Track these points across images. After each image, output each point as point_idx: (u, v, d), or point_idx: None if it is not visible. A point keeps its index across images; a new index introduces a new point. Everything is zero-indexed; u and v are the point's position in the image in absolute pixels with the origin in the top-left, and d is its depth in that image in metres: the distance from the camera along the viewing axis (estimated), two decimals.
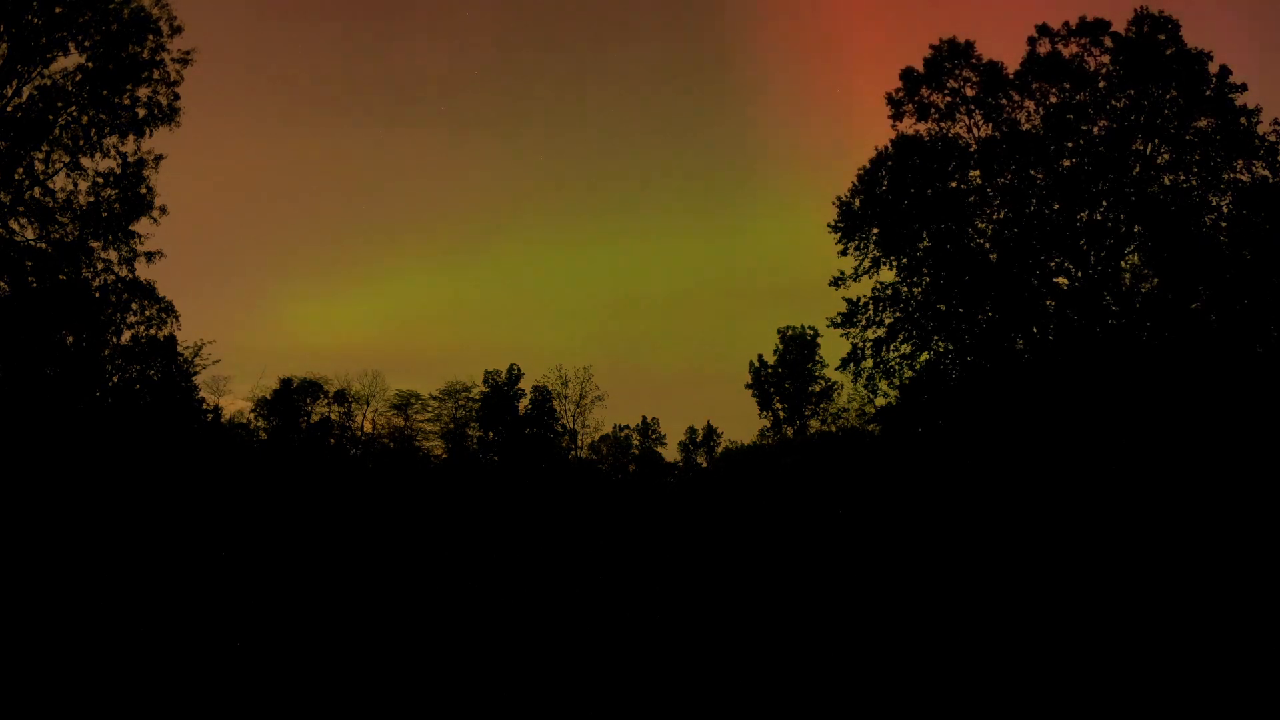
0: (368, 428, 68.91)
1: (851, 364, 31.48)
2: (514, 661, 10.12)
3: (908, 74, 31.85)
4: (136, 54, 27.50)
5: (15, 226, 26.75)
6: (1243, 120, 27.79)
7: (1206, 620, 12.93)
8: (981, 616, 14.64)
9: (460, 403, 72.44)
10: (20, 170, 26.41)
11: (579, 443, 71.50)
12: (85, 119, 27.23)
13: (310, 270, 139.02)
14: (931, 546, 30.63)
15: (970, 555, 27.11)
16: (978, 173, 30.89)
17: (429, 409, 72.70)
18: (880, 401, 32.74)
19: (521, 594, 19.79)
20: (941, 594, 18.58)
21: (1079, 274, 29.50)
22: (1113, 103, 29.15)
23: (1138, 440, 25.91)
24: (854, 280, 31.45)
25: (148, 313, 31.01)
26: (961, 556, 27.21)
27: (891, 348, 31.16)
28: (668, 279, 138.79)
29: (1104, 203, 29.07)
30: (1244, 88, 28.11)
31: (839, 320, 31.59)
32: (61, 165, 27.32)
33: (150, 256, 29.41)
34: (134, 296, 30.22)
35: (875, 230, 31.08)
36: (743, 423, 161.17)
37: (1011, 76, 30.99)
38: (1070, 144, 29.36)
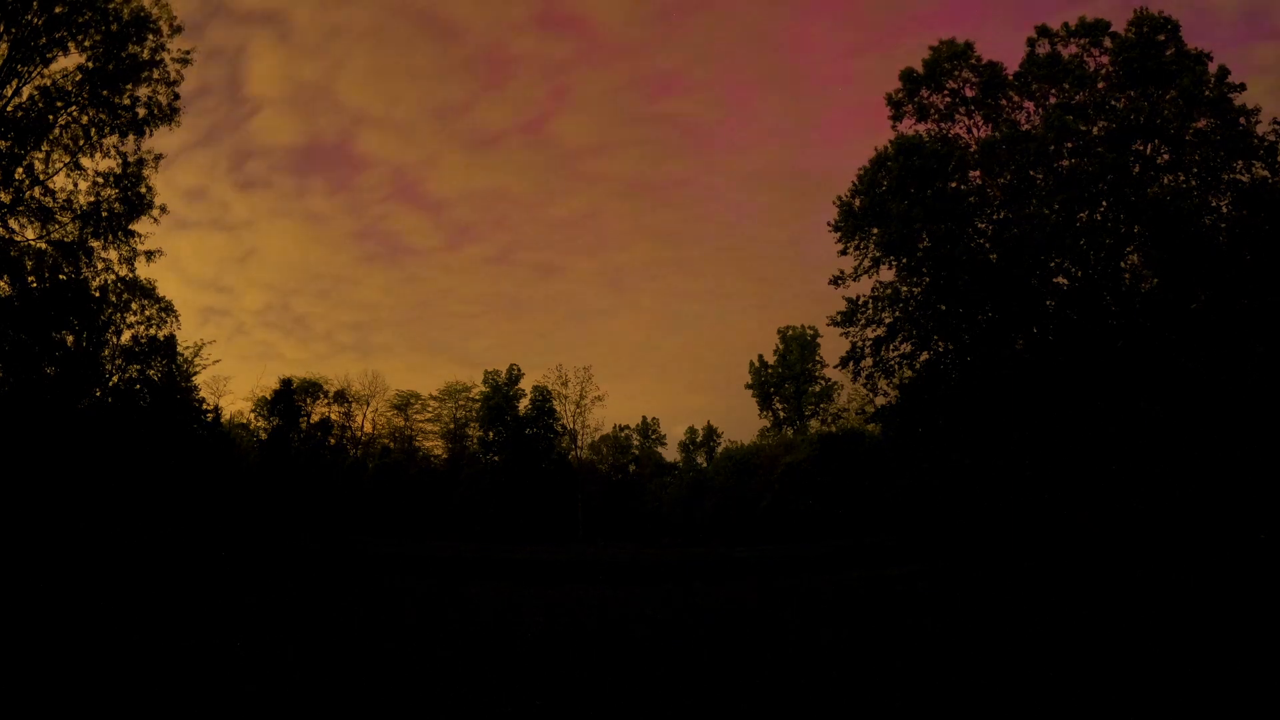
0: (368, 428, 68.98)
1: (851, 362, 31.53)
2: (512, 662, 10.13)
3: (908, 75, 31.88)
4: (136, 54, 27.50)
5: (15, 226, 26.77)
6: (1242, 120, 27.76)
7: (1207, 621, 12.93)
8: (979, 619, 14.65)
9: (460, 403, 72.48)
10: (20, 170, 26.40)
11: (579, 443, 71.42)
12: (85, 119, 27.24)
13: None
14: (931, 548, 30.64)
15: (970, 556, 27.13)
16: (978, 173, 30.91)
17: (429, 409, 72.80)
18: (880, 401, 32.78)
19: (521, 594, 19.80)
20: (941, 597, 18.60)
21: (1079, 274, 29.50)
22: (1112, 103, 29.14)
23: (1138, 439, 25.92)
24: (854, 279, 31.50)
25: (148, 312, 31.08)
26: (962, 557, 27.22)
27: (891, 347, 31.21)
28: None
29: (1104, 203, 29.06)
30: (1243, 88, 28.10)
31: (839, 319, 31.64)
32: (61, 165, 27.34)
33: (150, 256, 29.46)
34: (134, 296, 30.27)
35: (875, 230, 31.09)
36: (743, 423, 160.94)
37: (1011, 77, 31.01)
38: (1070, 144, 29.34)
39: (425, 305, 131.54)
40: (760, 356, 73.49)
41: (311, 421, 62.88)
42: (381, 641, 11.68)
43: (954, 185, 30.72)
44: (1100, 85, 29.47)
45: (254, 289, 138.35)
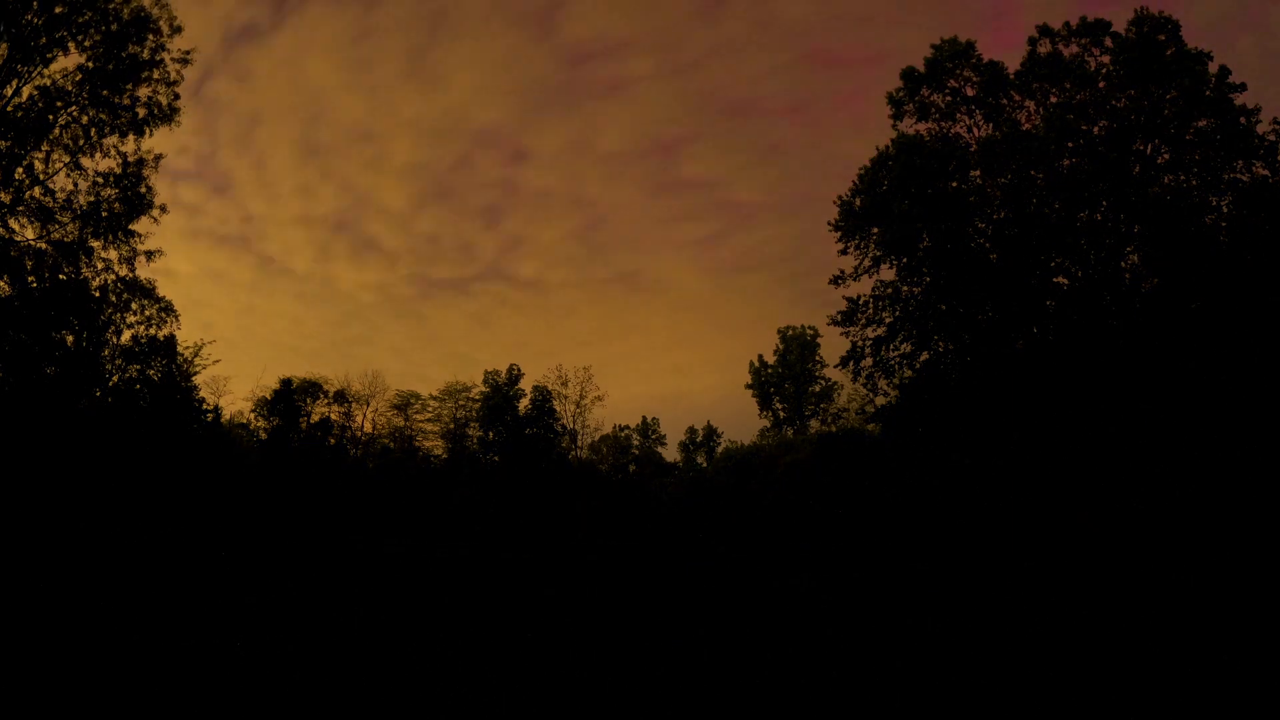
0: (368, 428, 68.80)
1: (851, 362, 31.54)
2: (511, 663, 10.12)
3: (909, 74, 31.86)
4: (136, 54, 27.49)
5: (15, 226, 26.76)
6: (1242, 120, 27.75)
7: (1206, 620, 12.92)
8: (980, 619, 14.64)
9: (460, 403, 72.34)
10: (20, 170, 26.40)
11: (579, 443, 71.34)
12: (85, 119, 27.23)
13: None
14: (932, 548, 30.62)
15: (971, 556, 27.12)
16: (978, 173, 30.89)
17: (429, 409, 72.62)
18: (880, 401, 32.77)
19: (521, 595, 19.78)
20: (942, 597, 18.58)
21: (1079, 274, 29.49)
22: (1113, 103, 29.13)
23: (1138, 439, 25.91)
24: (854, 279, 31.50)
25: (148, 312, 31.05)
26: (962, 557, 27.21)
27: (891, 347, 31.21)
28: None
29: (1104, 203, 29.05)
30: (1243, 87, 28.10)
31: (839, 319, 31.65)
32: (61, 165, 27.33)
33: (150, 255, 29.46)
34: (134, 296, 30.24)
35: (876, 229, 31.08)
36: (743, 423, 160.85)
37: (1012, 77, 31.00)
38: (1070, 144, 29.33)
39: None
40: (760, 356, 73.49)
41: (311, 421, 62.79)
42: (381, 641, 11.67)
43: (954, 185, 30.70)
44: (1101, 85, 29.46)
45: None
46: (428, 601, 17.64)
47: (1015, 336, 29.97)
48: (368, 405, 67.75)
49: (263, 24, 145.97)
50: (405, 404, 71.03)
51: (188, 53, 28.77)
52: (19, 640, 10.60)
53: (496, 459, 68.20)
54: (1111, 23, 29.90)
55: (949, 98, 31.60)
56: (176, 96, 28.62)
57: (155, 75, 28.11)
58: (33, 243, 27.17)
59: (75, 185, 27.68)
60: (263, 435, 60.77)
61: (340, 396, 64.74)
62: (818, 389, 70.71)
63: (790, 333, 72.50)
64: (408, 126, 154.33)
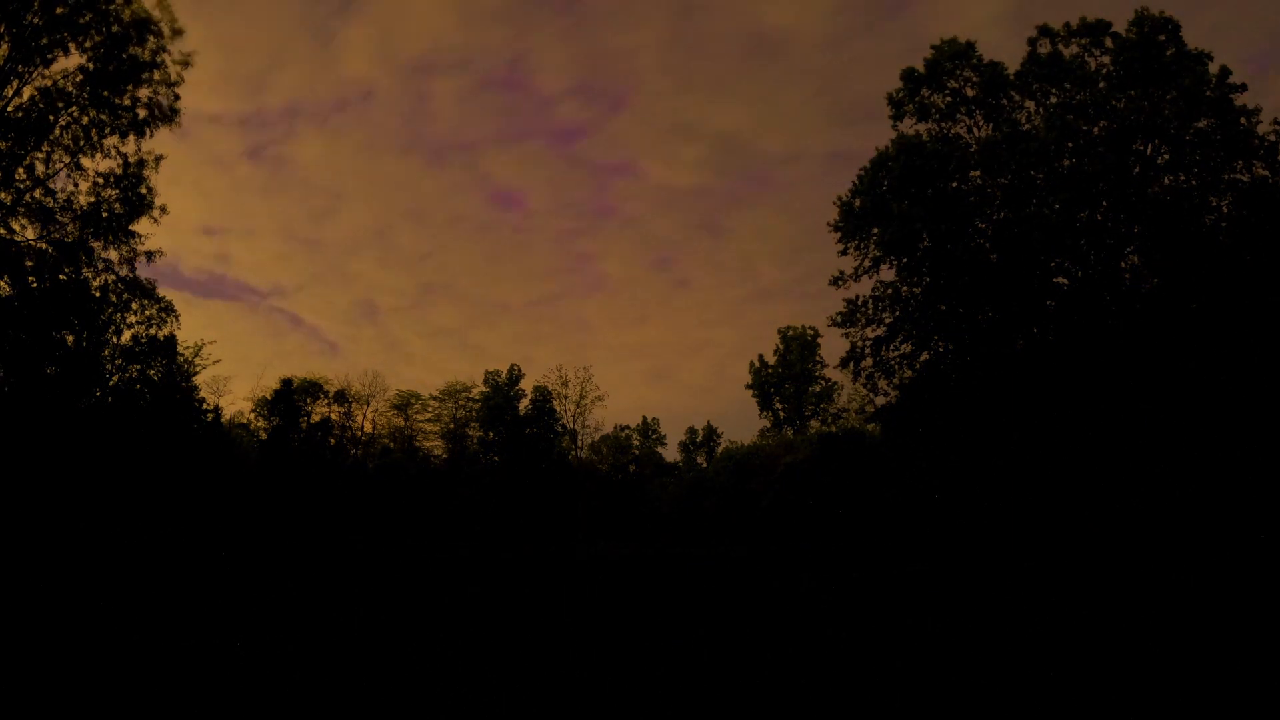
0: (368, 428, 68.82)
1: (851, 362, 31.59)
2: (511, 663, 10.13)
3: (909, 74, 31.89)
4: (137, 55, 27.50)
5: (16, 227, 26.76)
6: (1243, 121, 27.79)
7: (1205, 620, 12.93)
8: (980, 620, 14.65)
9: (460, 403, 72.38)
10: (21, 171, 26.40)
11: (579, 443, 71.35)
12: (86, 120, 27.23)
13: None
14: (931, 548, 30.63)
15: (970, 556, 27.13)
16: (978, 173, 30.91)
17: (429, 409, 72.66)
18: (880, 401, 32.81)
19: (521, 595, 19.80)
20: (941, 597, 18.60)
21: (1079, 274, 29.50)
22: (1113, 103, 29.14)
23: (1138, 439, 25.91)
24: (854, 280, 31.57)
25: (148, 312, 31.08)
26: (961, 557, 27.23)
27: (891, 347, 31.25)
28: None
29: (1104, 203, 29.07)
30: (1244, 88, 28.14)
31: (839, 319, 31.70)
32: (62, 166, 27.34)
33: (150, 256, 29.48)
34: (134, 296, 30.26)
35: (876, 230, 31.13)
36: (743, 423, 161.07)
37: (1012, 77, 31.02)
38: (1070, 144, 29.35)
39: None
40: (760, 356, 73.57)
41: (312, 421, 62.80)
42: (381, 641, 11.68)
43: (955, 185, 30.72)
44: (1101, 85, 29.48)
45: None
46: (427, 601, 17.65)
47: (1015, 336, 29.98)
48: (368, 405, 67.76)
49: None
50: (405, 404, 71.06)
51: (189, 54, 28.81)
52: (20, 640, 10.61)
53: (497, 459, 68.25)
54: (1111, 23, 29.97)
55: (949, 98, 31.63)
56: (177, 98, 28.65)
57: (156, 76, 28.11)
58: (33, 243, 27.17)
59: (76, 186, 27.70)
60: (263, 435, 60.80)
61: (340, 397, 64.77)
62: (818, 389, 70.74)
63: (790, 333, 72.55)
64: None
